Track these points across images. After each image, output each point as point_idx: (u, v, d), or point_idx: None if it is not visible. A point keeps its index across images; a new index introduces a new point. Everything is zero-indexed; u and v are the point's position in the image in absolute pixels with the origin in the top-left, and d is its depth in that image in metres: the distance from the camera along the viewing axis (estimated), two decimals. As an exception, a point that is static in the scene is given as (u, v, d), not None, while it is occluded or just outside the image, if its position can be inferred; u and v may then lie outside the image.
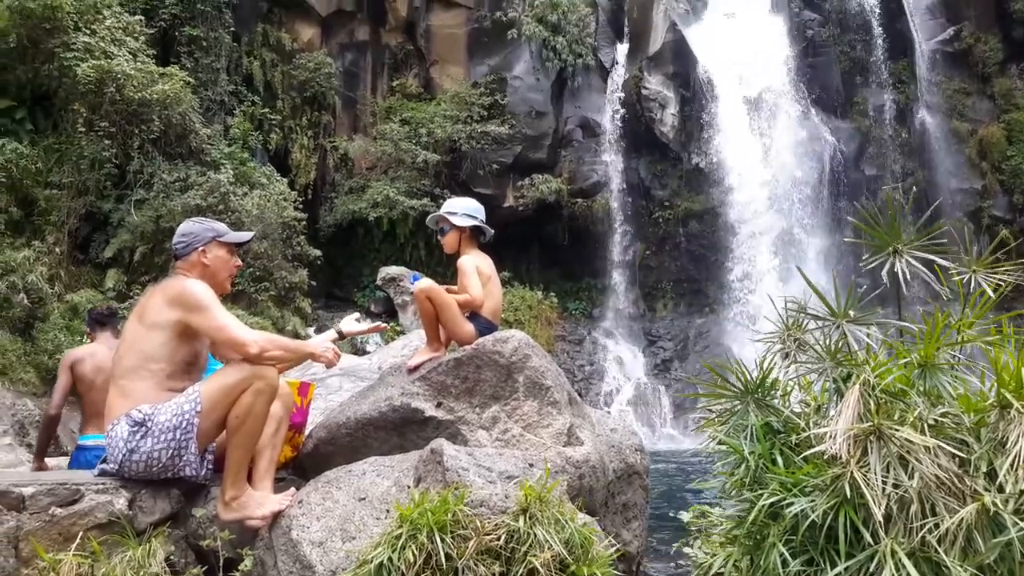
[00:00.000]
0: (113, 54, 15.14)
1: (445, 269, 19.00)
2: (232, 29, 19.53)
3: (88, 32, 15.18)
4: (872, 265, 3.19)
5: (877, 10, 21.72)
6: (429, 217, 4.95)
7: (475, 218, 4.75)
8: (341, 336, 4.52)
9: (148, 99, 15.32)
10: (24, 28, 14.81)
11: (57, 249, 14.85)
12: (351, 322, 4.68)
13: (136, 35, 16.18)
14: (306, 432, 4.55)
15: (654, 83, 21.48)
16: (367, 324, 4.81)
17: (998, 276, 3.08)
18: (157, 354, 3.88)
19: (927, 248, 3.15)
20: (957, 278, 3.11)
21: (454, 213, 4.75)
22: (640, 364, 20.40)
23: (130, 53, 15.61)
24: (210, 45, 18.89)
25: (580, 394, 17.33)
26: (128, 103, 15.23)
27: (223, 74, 19.24)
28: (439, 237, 4.87)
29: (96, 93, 14.93)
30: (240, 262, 4.38)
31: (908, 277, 3.09)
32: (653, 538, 5.40)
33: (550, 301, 20.81)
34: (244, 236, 4.40)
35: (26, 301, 13.55)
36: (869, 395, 2.87)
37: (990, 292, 3.02)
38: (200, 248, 4.14)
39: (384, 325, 4.94)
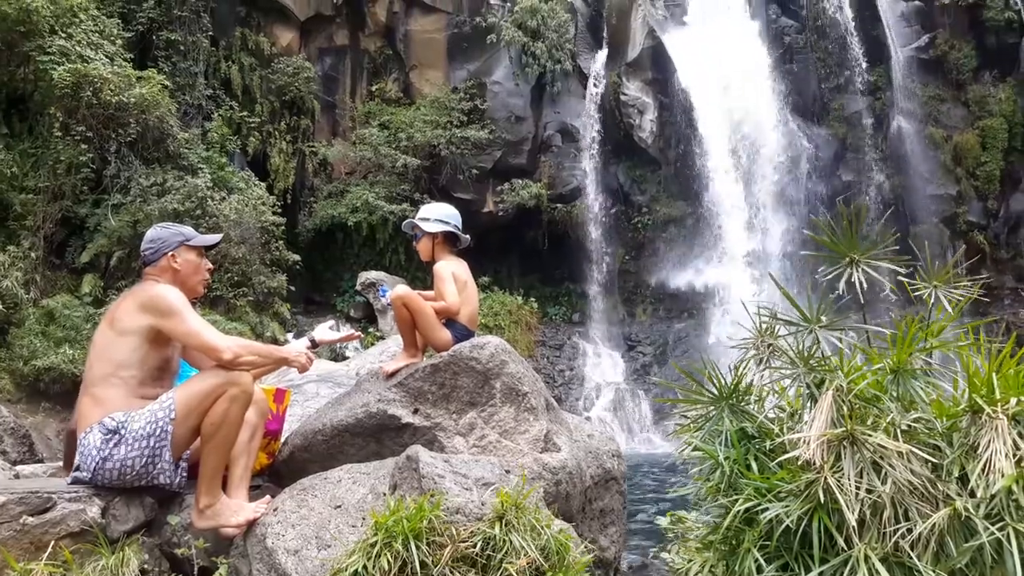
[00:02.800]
0: (90, 58, 15.05)
1: (424, 275, 18.92)
2: (210, 33, 19.46)
3: (64, 36, 15.07)
4: (829, 276, 3.22)
5: (853, 17, 21.88)
6: (404, 223, 4.94)
7: (447, 223, 4.74)
8: (314, 344, 4.50)
9: (125, 103, 15.23)
10: (-1, 31, 14.71)
11: (33, 254, 14.72)
12: (325, 330, 4.65)
13: (113, 39, 16.09)
14: (282, 439, 4.52)
15: (633, 89, 21.56)
16: (341, 332, 4.78)
17: (958, 292, 3.11)
18: (128, 361, 3.85)
19: (887, 257, 3.17)
20: (917, 293, 3.13)
21: (426, 219, 4.74)
22: (619, 369, 20.44)
23: (107, 57, 15.52)
24: (188, 49, 18.81)
25: (560, 399, 17.34)
26: (105, 107, 15.14)
27: (201, 78, 19.17)
28: (415, 243, 4.86)
29: (72, 97, 14.83)
30: (211, 265, 4.35)
31: (864, 287, 3.11)
32: (630, 544, 5.41)
33: (530, 306, 20.83)
34: (213, 239, 4.37)
35: (1, 306, 13.43)
36: (842, 400, 2.88)
37: (949, 308, 3.05)
38: (169, 253, 4.11)
39: (358, 333, 4.90)
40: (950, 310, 3.03)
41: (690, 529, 3.97)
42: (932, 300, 3.09)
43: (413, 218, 4.85)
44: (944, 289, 3.10)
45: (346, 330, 4.91)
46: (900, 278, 3.12)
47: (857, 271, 3.13)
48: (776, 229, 20.51)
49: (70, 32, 15.21)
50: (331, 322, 4.79)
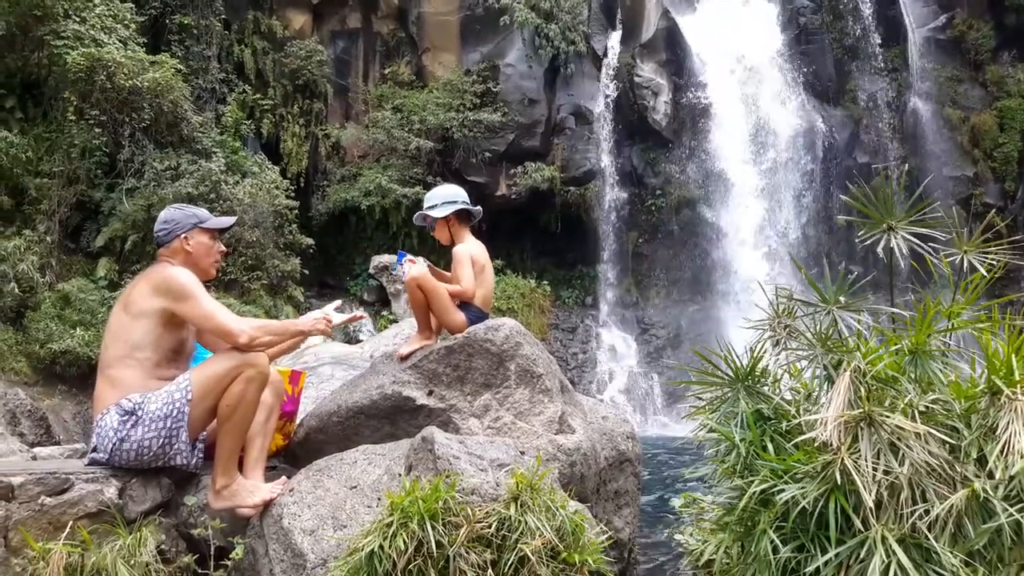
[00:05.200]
0: (103, 42, 15.04)
1: (438, 257, 18.92)
2: (223, 17, 19.41)
3: (78, 20, 15.06)
4: (867, 243, 3.19)
5: (870, -3, 21.71)
6: (415, 216, 4.92)
7: (455, 202, 4.73)
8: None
9: (139, 87, 15.22)
10: (13, 16, 14.70)
11: (48, 238, 14.78)
12: (330, 312, 4.66)
13: (126, 23, 16.06)
14: (297, 421, 4.54)
15: (647, 71, 21.42)
16: (346, 314, 4.75)
17: (989, 257, 3.08)
18: (143, 343, 3.86)
19: (920, 226, 3.15)
20: (948, 260, 3.10)
21: (433, 206, 4.72)
22: (633, 352, 20.41)
23: (120, 41, 15.51)
24: (201, 33, 18.79)
25: (573, 382, 17.34)
26: (119, 91, 15.14)
27: (214, 62, 19.15)
28: (431, 233, 4.86)
29: (86, 81, 14.84)
30: (224, 248, 4.35)
31: (904, 252, 3.08)
32: (645, 525, 5.42)
33: (543, 289, 20.80)
34: (226, 221, 4.37)
35: (17, 290, 13.51)
36: (860, 382, 2.87)
37: (983, 271, 3.02)
38: (182, 235, 4.11)
39: (362, 315, 4.88)
40: (985, 274, 3.00)
41: (705, 510, 3.97)
42: (956, 275, 3.07)
43: (422, 210, 4.83)
44: (975, 255, 3.07)
45: (349, 314, 4.88)
46: (924, 252, 3.09)
47: (895, 238, 3.10)
48: (792, 211, 20.42)
49: (84, 16, 15.20)
50: (338, 302, 4.72)
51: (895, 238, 3.12)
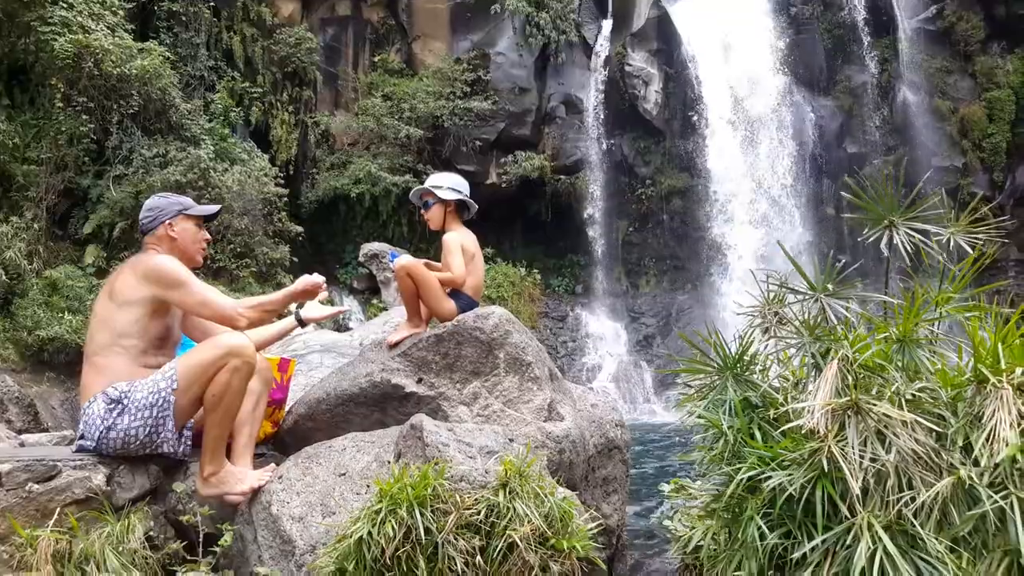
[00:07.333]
0: (91, 28, 14.95)
1: (428, 246, 18.96)
2: (211, 4, 19.30)
3: (65, 6, 14.96)
4: (871, 239, 3.19)
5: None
6: (412, 191, 4.89)
7: (460, 192, 4.71)
8: (301, 323, 4.47)
9: (127, 74, 15.15)
10: (0, 1, 14.63)
11: (35, 225, 14.72)
12: (315, 306, 4.64)
13: (114, 9, 15.96)
14: (286, 408, 4.54)
15: (638, 60, 21.40)
16: (329, 309, 4.75)
17: (976, 237, 3.10)
18: (130, 331, 3.85)
19: (918, 220, 3.15)
20: (936, 238, 3.11)
21: (439, 187, 4.69)
22: (622, 340, 20.46)
23: (108, 28, 15.41)
24: (189, 20, 18.67)
25: (563, 370, 17.38)
26: (107, 78, 15.07)
27: (203, 49, 19.04)
28: (423, 212, 4.81)
29: (74, 68, 14.76)
30: (208, 235, 4.33)
31: (907, 248, 3.09)
32: (633, 511, 5.44)
33: (533, 278, 20.82)
34: (211, 209, 4.35)
35: (4, 277, 13.44)
36: (847, 370, 2.88)
37: (970, 250, 3.03)
38: (166, 222, 4.11)
39: (345, 308, 4.87)
40: (972, 252, 3.01)
41: (693, 497, 3.98)
42: (945, 262, 3.08)
43: (419, 187, 4.82)
44: (962, 236, 3.09)
45: (331, 309, 4.84)
46: (924, 244, 3.10)
47: (898, 234, 3.11)
48: (781, 201, 20.45)
49: (71, 2, 15.09)
50: (323, 294, 4.66)
51: (897, 234, 3.13)
